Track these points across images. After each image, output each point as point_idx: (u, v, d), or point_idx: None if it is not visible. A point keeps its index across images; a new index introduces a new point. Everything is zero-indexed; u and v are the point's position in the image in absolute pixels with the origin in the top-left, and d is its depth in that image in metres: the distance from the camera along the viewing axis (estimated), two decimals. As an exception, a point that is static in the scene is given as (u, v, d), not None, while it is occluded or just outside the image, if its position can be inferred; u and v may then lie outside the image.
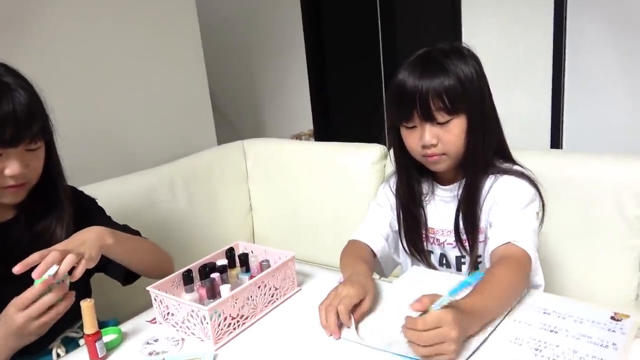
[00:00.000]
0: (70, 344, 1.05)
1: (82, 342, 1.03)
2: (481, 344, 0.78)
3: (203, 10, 2.29)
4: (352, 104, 3.12)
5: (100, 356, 0.88)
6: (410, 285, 0.99)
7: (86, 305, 0.85)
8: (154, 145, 1.94)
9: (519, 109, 2.21)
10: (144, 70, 1.89)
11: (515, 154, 1.08)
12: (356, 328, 0.86)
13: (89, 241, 0.93)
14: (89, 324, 0.85)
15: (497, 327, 0.83)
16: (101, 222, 1.13)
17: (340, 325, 0.86)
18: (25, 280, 0.83)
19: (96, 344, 0.87)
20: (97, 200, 1.20)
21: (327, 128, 3.16)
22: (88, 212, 1.13)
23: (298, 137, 3.10)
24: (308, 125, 3.14)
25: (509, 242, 0.93)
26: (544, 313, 0.84)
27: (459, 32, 2.33)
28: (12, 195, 0.94)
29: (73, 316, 0.92)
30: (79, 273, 0.87)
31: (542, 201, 1.03)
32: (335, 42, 3.08)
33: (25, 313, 0.82)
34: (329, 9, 3.04)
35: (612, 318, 0.80)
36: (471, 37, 2.32)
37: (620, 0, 1.96)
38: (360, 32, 2.97)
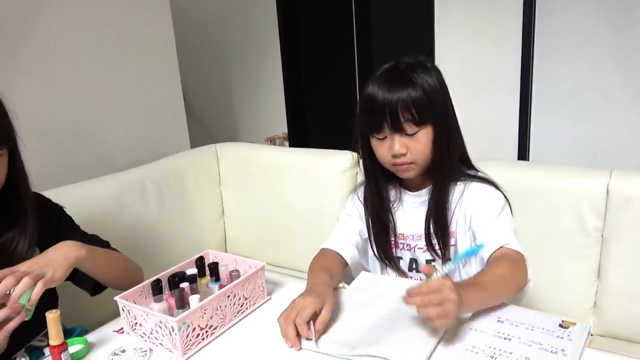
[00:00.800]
0: (35, 353, 1.04)
1: (47, 350, 1.02)
2: (434, 349, 0.83)
3: (179, 13, 2.27)
4: (326, 108, 3.14)
5: (66, 367, 0.87)
6: (361, 291, 1.03)
7: (52, 317, 0.84)
8: (125, 148, 1.91)
9: (488, 119, 2.27)
10: (115, 72, 1.86)
11: (481, 165, 1.14)
12: (317, 338, 0.88)
13: (55, 260, 0.92)
14: (55, 335, 0.85)
15: (446, 330, 0.86)
16: (69, 231, 1.12)
17: (300, 336, 0.89)
18: None
19: (62, 355, 0.86)
20: (65, 209, 1.18)
21: (301, 132, 3.17)
22: (55, 222, 1.12)
23: (272, 140, 3.10)
24: (282, 128, 3.15)
25: (502, 247, 0.98)
26: (498, 321, 0.88)
27: (432, 41, 2.38)
28: None
29: (39, 325, 0.91)
30: (35, 296, 0.86)
31: (509, 204, 1.09)
32: (311, 47, 3.10)
33: None
34: (304, 14, 3.06)
35: (560, 325, 0.85)
36: (443, 47, 2.37)
37: (587, 12, 2.04)
38: (336, 38, 3.00)
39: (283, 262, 1.82)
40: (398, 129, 1.00)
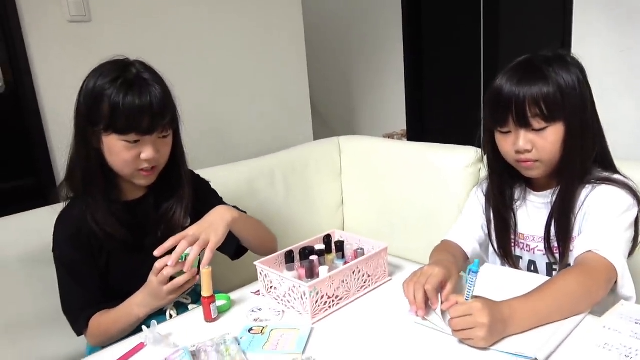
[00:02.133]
0: (181, 308, 1.19)
1: (190, 306, 1.16)
2: (561, 343, 0.81)
3: (305, 11, 2.40)
4: (447, 106, 3.09)
5: (213, 317, 1.00)
6: (486, 281, 1.01)
7: (205, 272, 0.97)
8: (257, 138, 2.09)
9: (630, 118, 2.08)
10: (249, 68, 2.05)
11: (621, 164, 1.05)
12: (442, 313, 0.90)
13: (214, 223, 1.04)
14: (207, 288, 0.98)
15: (577, 326, 0.84)
16: (215, 202, 1.26)
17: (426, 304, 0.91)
18: (150, 250, 0.98)
19: (211, 306, 0.99)
20: (210, 183, 1.33)
21: (420, 129, 3.16)
22: (203, 194, 1.27)
23: (390, 136, 3.14)
24: (400, 125, 3.17)
25: (590, 251, 0.92)
26: (636, 323, 0.84)
27: (569, 35, 2.23)
28: (145, 178, 1.09)
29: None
30: (206, 261, 0.98)
31: None
32: (434, 43, 3.07)
33: (166, 287, 0.99)
34: (429, 8, 3.03)
35: None
36: (581, 41, 2.21)
37: None
38: (461, 35, 2.93)
39: (399, 255, 1.84)
40: (524, 123, 0.96)
